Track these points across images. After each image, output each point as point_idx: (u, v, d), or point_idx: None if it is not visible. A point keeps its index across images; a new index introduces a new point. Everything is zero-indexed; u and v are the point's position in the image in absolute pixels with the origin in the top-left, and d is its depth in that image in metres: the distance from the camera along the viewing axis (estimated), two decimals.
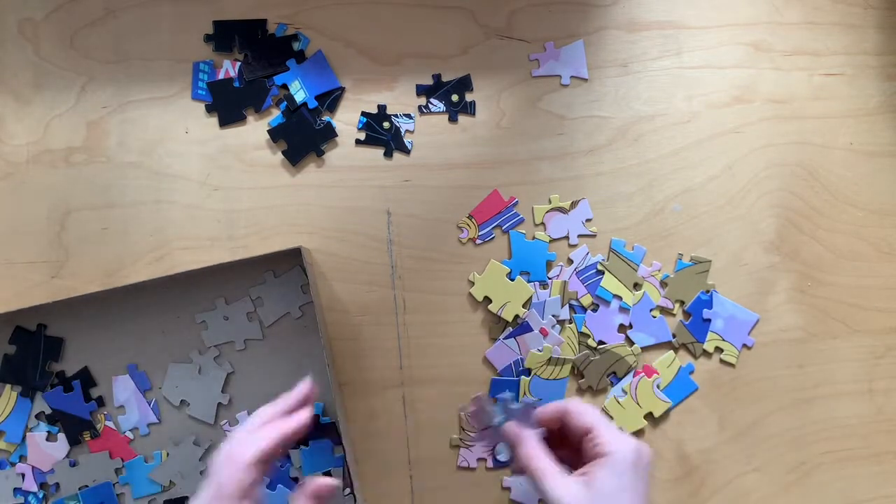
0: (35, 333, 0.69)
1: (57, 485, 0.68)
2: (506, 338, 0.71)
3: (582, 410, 0.54)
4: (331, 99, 0.72)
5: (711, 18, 0.74)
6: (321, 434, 0.69)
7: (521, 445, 0.54)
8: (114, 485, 0.69)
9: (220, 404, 0.69)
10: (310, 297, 0.70)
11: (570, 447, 0.55)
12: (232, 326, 0.70)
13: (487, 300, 0.71)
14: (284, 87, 0.72)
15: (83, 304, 0.68)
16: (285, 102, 0.72)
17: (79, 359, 0.69)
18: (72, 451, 0.69)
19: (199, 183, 0.71)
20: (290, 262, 0.70)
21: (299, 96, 0.71)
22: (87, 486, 0.68)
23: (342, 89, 0.72)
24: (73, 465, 0.68)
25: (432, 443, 0.70)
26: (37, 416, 0.69)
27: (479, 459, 0.71)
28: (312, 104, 0.72)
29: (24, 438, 0.68)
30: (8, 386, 0.69)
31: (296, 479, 0.69)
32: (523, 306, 0.71)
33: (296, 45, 0.72)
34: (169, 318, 0.70)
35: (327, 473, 0.69)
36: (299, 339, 0.70)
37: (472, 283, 0.71)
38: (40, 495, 0.68)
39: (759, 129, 0.74)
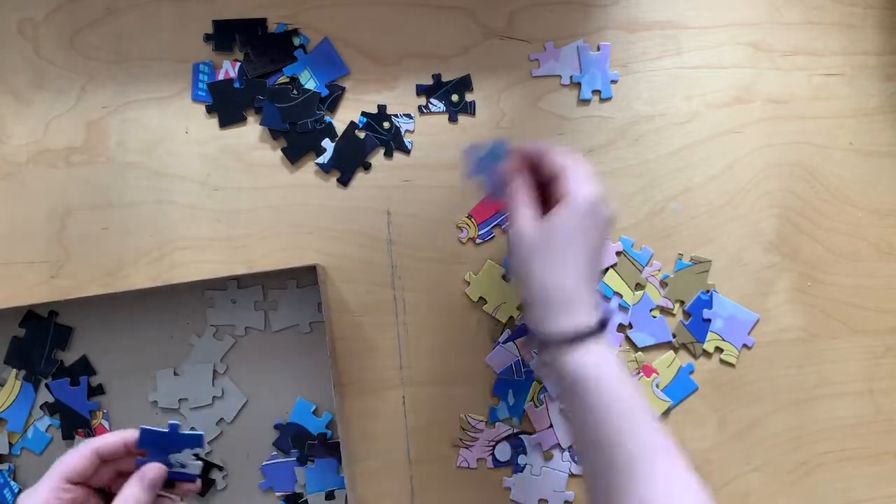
0: (45, 320, 0.70)
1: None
2: (504, 342, 0.71)
3: (557, 153, 0.55)
4: (331, 99, 0.72)
5: (711, 18, 0.74)
6: (327, 453, 0.69)
7: (510, 184, 0.56)
8: None
9: (214, 397, 0.69)
10: (322, 316, 0.69)
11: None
12: (238, 311, 0.70)
13: (483, 301, 0.71)
14: (294, 78, 0.72)
15: (95, 300, 0.68)
16: None
17: (85, 351, 0.70)
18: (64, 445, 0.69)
19: (199, 183, 0.71)
20: (312, 278, 0.70)
21: (310, 85, 0.72)
22: None
23: (343, 89, 0.72)
24: None
25: (432, 443, 0.70)
26: (40, 408, 0.69)
27: (479, 459, 0.71)
28: (324, 92, 0.72)
29: (25, 429, 0.69)
30: (13, 374, 0.69)
31: (299, 496, 0.69)
32: (518, 308, 0.71)
33: (296, 41, 0.72)
34: (179, 324, 0.70)
35: (330, 494, 0.69)
36: (302, 354, 0.70)
37: (469, 283, 0.71)
38: (16, 489, 0.68)
39: (759, 129, 0.74)
